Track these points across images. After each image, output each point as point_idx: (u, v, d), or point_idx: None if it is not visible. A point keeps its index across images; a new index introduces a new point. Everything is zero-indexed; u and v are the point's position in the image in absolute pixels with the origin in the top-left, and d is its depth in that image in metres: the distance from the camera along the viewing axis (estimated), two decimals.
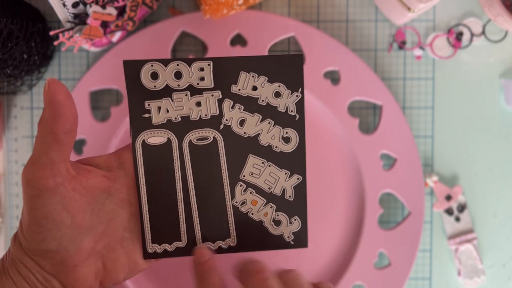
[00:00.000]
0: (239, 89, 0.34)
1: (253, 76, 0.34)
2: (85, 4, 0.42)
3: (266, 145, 0.34)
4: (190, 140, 0.34)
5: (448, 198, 0.51)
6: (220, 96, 0.33)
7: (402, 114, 0.50)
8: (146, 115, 0.33)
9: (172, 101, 0.33)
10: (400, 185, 0.50)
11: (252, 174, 0.34)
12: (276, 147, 0.34)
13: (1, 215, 0.52)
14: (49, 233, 0.30)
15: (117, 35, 0.48)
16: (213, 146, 0.34)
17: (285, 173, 0.34)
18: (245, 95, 0.34)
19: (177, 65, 0.33)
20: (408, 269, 0.49)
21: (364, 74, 0.49)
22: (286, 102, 0.34)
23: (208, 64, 0.33)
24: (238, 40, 0.50)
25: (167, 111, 0.33)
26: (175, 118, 0.33)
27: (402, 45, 0.51)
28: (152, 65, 0.33)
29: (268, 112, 0.34)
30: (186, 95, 0.33)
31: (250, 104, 0.34)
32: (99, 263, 0.32)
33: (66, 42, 0.43)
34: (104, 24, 0.44)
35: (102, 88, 0.50)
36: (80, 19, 0.43)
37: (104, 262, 0.32)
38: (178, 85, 0.33)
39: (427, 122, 0.52)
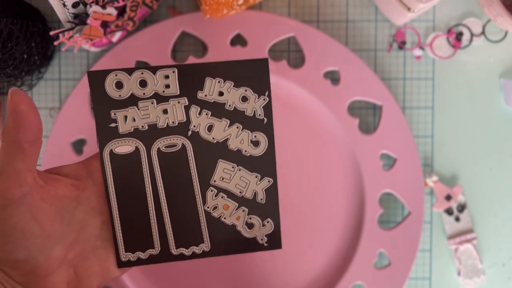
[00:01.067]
0: (206, 95, 0.33)
1: (219, 82, 0.33)
2: (85, 4, 0.42)
3: (235, 149, 0.34)
4: (159, 147, 0.33)
5: (448, 198, 0.51)
6: (187, 103, 0.33)
7: (402, 114, 0.50)
8: (113, 125, 0.33)
9: (138, 109, 0.33)
10: (400, 185, 0.50)
11: (222, 179, 0.34)
12: (246, 151, 0.34)
13: None
14: (18, 243, 0.29)
15: (117, 35, 0.48)
16: (182, 153, 0.34)
17: (256, 176, 0.34)
18: (212, 101, 0.34)
19: (142, 73, 0.33)
20: (408, 269, 0.49)
21: (364, 74, 0.49)
22: (253, 106, 0.34)
23: (173, 72, 0.33)
24: (238, 40, 0.50)
25: (134, 119, 0.33)
26: (142, 126, 0.33)
27: (402, 45, 0.51)
28: (116, 75, 0.33)
29: (236, 116, 0.34)
30: (152, 103, 0.33)
31: (218, 109, 0.34)
32: (71, 271, 0.32)
33: (66, 42, 0.43)
34: (104, 24, 0.44)
35: None
36: (80, 19, 0.43)
37: (76, 270, 0.32)
38: (144, 94, 0.33)
39: (427, 122, 0.52)
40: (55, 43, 0.43)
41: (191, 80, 0.33)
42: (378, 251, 0.50)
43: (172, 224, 0.34)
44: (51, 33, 0.42)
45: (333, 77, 0.51)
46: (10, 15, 0.42)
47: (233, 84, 0.34)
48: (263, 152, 0.34)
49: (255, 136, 0.34)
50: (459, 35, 0.51)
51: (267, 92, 0.34)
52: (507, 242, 0.52)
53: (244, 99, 0.34)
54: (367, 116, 0.52)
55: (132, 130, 0.33)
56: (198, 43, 0.51)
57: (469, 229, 0.51)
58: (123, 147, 0.33)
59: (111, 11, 0.43)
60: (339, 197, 0.51)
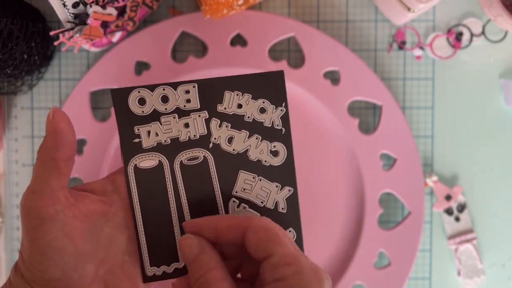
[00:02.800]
0: (225, 108, 0.34)
1: (237, 95, 0.34)
2: (85, 4, 0.42)
3: (255, 160, 0.35)
4: (181, 161, 0.34)
5: (448, 198, 0.51)
6: (207, 116, 0.34)
7: (402, 114, 0.50)
8: (136, 140, 0.34)
9: (161, 124, 0.34)
10: (400, 185, 0.50)
11: (244, 189, 0.35)
12: (265, 161, 0.35)
13: (1, 215, 0.52)
14: (52, 262, 0.30)
15: (117, 35, 0.48)
16: (203, 165, 0.34)
17: (276, 186, 0.35)
18: (231, 113, 0.34)
19: (163, 89, 0.34)
20: (408, 269, 0.49)
21: (364, 74, 0.49)
22: (271, 117, 0.35)
23: (193, 86, 0.34)
24: (238, 40, 0.50)
25: (157, 134, 0.34)
26: (165, 140, 0.34)
27: (402, 45, 0.51)
28: (139, 92, 0.33)
29: (255, 128, 0.35)
30: (174, 117, 0.34)
31: (237, 121, 0.34)
32: None
33: (66, 42, 0.43)
34: (104, 24, 0.44)
35: (102, 88, 0.50)
36: (80, 19, 0.43)
37: (107, 287, 0.32)
38: (166, 109, 0.34)
39: (427, 122, 0.52)
40: (55, 43, 0.43)
41: (210, 94, 0.34)
42: (378, 251, 0.50)
43: None
44: (51, 33, 0.42)
45: (333, 77, 0.51)
46: (10, 15, 0.42)
47: (251, 96, 0.34)
48: (283, 161, 0.35)
49: (274, 146, 0.35)
50: (459, 35, 0.51)
51: (284, 103, 0.35)
52: (507, 242, 0.52)
53: (262, 110, 0.35)
54: (367, 116, 0.52)
55: (155, 144, 0.34)
56: (198, 43, 0.51)
57: (469, 229, 0.51)
58: (147, 162, 0.34)
59: (111, 11, 0.43)
60: (339, 197, 0.51)
